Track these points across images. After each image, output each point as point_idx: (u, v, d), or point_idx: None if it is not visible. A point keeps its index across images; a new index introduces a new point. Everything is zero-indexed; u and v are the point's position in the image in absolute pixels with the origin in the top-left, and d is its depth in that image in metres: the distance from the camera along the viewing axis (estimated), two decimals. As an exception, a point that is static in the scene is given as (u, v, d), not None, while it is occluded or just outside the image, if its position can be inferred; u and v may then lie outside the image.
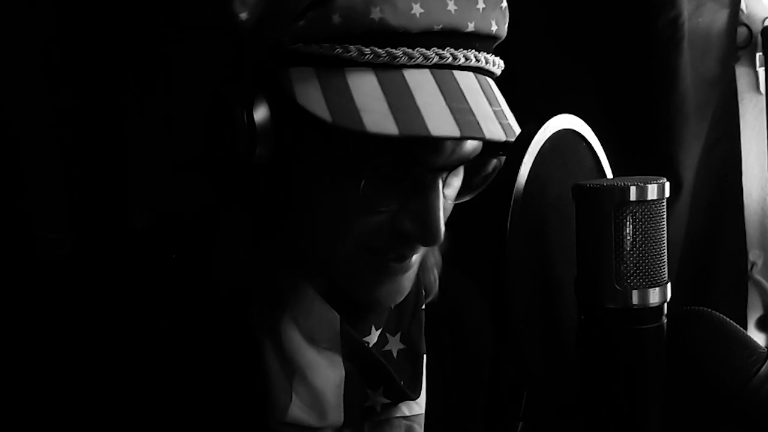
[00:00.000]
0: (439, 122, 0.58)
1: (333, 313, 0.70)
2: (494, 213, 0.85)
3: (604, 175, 0.99)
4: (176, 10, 1.12)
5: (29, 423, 0.67)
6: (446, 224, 0.79)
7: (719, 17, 1.30)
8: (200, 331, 0.68)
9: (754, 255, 1.41)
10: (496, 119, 0.61)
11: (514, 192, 0.85)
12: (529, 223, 0.86)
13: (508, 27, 0.68)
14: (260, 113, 0.60)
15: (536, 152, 0.86)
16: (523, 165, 0.86)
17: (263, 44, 0.60)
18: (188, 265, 0.69)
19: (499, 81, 1.25)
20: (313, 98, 0.59)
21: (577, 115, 0.94)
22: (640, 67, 1.24)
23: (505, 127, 0.61)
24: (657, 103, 1.24)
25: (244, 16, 0.62)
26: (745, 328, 1.39)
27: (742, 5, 1.33)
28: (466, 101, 0.60)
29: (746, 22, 1.34)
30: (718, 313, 0.80)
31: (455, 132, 0.58)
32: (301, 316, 0.69)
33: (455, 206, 0.80)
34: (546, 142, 0.88)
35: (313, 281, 0.69)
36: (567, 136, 0.93)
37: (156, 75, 1.13)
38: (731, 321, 0.80)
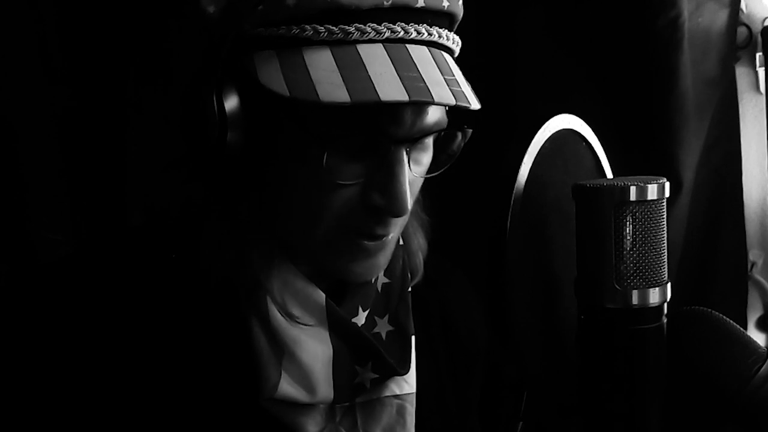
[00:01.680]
0: (389, 88, 0.61)
1: (318, 290, 0.71)
2: (494, 213, 0.86)
3: (604, 175, 0.99)
4: (174, 11, 1.12)
5: (29, 416, 0.67)
6: (431, 213, 0.81)
7: (719, 17, 1.30)
8: (191, 319, 0.70)
9: (754, 255, 1.40)
10: (446, 86, 0.63)
11: (514, 192, 0.85)
12: (529, 223, 0.86)
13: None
14: (229, 100, 0.64)
15: (536, 152, 0.87)
16: (523, 165, 0.86)
17: (229, 34, 0.64)
18: (179, 259, 0.70)
19: (500, 81, 1.26)
20: (273, 76, 0.62)
21: (577, 115, 0.94)
22: (640, 67, 1.23)
23: (456, 94, 0.63)
24: (657, 103, 1.24)
25: (211, 9, 0.66)
26: (745, 328, 1.39)
27: (742, 5, 1.32)
28: (417, 70, 0.63)
29: (746, 22, 1.34)
30: (718, 313, 0.80)
31: (404, 97, 0.60)
32: (286, 294, 0.71)
33: (452, 203, 0.80)
34: (546, 142, 0.88)
35: (296, 261, 0.72)
36: (567, 136, 0.93)
37: (155, 75, 1.13)
38: (731, 321, 0.80)
